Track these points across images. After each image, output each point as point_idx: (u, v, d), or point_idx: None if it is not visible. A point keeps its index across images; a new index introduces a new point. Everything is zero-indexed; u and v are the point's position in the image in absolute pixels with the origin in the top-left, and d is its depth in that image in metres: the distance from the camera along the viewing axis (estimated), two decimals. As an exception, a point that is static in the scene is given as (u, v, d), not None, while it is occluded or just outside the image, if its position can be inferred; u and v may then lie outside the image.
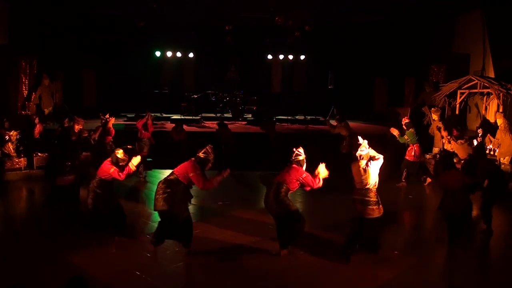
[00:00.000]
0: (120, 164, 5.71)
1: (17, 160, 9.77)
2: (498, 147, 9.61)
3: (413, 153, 9.32)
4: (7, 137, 9.72)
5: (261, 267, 5.33)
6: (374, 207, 5.31)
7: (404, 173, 9.51)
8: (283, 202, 5.48)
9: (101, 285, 4.82)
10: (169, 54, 17.70)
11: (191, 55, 17.88)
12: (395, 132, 9.44)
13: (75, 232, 6.24)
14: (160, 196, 5.36)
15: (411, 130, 9.31)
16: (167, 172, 6.02)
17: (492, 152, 9.92)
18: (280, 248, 5.58)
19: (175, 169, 5.52)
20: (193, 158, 5.56)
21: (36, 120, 11.09)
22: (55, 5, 13.79)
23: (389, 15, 14.68)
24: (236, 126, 14.46)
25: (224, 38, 14.95)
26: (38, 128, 11.03)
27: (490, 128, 10.12)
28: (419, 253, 5.87)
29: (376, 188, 5.39)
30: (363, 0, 13.07)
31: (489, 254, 6.20)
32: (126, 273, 5.14)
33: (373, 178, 5.35)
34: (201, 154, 5.53)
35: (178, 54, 17.73)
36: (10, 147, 9.77)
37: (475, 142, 10.58)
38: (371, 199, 5.31)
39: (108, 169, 5.68)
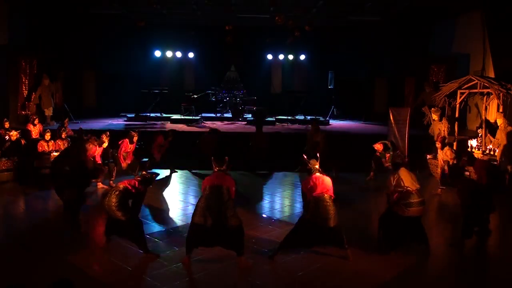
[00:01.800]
0: None
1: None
2: (498, 147, 9.61)
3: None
4: (7, 137, 9.71)
5: (261, 266, 5.33)
6: None
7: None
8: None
9: (101, 285, 4.82)
10: (169, 54, 17.68)
11: (191, 55, 17.87)
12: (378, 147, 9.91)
13: (75, 232, 6.24)
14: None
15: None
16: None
17: (492, 152, 9.92)
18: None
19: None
20: None
21: (36, 121, 11.09)
22: (55, 5, 13.79)
23: (389, 15, 14.68)
24: (236, 126, 14.48)
25: (224, 38, 14.95)
26: (37, 128, 11.04)
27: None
28: (419, 253, 5.86)
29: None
30: (363, 0, 13.07)
31: (489, 254, 6.18)
32: (126, 273, 5.14)
33: None
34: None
35: (178, 54, 17.72)
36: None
37: (474, 143, 10.59)
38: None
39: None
